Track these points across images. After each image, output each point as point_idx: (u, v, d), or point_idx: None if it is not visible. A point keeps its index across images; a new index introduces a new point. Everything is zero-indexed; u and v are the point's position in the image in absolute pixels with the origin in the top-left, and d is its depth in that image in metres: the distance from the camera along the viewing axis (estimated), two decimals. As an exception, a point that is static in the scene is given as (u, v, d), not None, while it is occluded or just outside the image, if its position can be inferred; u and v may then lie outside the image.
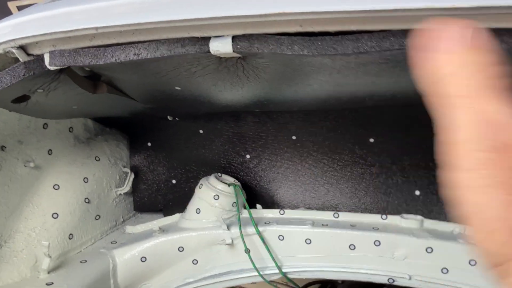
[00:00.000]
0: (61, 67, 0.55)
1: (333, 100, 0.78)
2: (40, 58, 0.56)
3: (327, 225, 0.88)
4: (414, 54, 0.23)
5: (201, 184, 0.95)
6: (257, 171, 1.03)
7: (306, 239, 0.87)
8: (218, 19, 0.45)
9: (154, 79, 0.64)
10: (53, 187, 0.86)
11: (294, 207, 1.01)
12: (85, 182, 0.93)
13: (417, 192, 0.91)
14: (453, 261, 0.79)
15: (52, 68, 0.55)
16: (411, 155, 0.91)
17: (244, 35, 0.48)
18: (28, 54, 0.56)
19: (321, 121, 0.96)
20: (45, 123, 0.84)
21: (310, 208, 0.99)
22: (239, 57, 0.52)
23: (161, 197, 1.10)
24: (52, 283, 0.76)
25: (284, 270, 0.88)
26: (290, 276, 0.88)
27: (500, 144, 0.18)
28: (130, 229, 0.99)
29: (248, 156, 1.03)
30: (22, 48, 0.55)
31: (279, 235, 0.89)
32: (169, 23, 0.47)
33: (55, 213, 0.85)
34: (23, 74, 0.55)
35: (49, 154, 0.86)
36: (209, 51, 0.49)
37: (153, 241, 0.91)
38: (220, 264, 0.92)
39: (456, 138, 0.20)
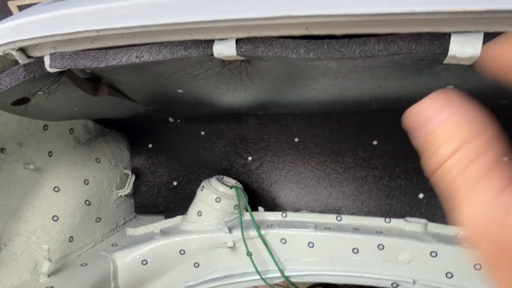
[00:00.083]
0: (62, 70, 0.55)
1: (338, 104, 0.77)
2: (40, 60, 0.55)
3: (330, 228, 0.87)
4: (414, 136, 0.23)
5: (203, 186, 0.94)
6: (259, 173, 1.02)
7: (308, 243, 0.87)
8: (222, 22, 0.44)
9: (156, 81, 0.63)
10: (53, 189, 0.86)
11: (296, 209, 1.00)
12: (85, 184, 0.92)
13: (421, 195, 0.91)
14: (457, 265, 0.78)
15: (52, 70, 0.54)
16: (415, 157, 0.90)
17: (248, 38, 0.47)
18: (28, 56, 0.55)
19: (324, 123, 0.95)
20: (45, 125, 0.83)
21: (312, 211, 0.98)
22: (243, 60, 0.52)
23: (162, 199, 1.09)
24: (52, 287, 0.75)
25: (286, 274, 0.88)
26: (292, 280, 0.88)
27: None
28: (131, 231, 0.98)
29: (250, 158, 1.02)
30: (22, 50, 0.54)
31: (282, 238, 0.88)
32: (172, 25, 0.46)
33: (55, 215, 0.85)
34: (23, 76, 0.54)
35: (49, 156, 0.86)
36: (212, 54, 0.48)
37: (154, 244, 0.90)
38: (222, 268, 0.91)
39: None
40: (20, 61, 0.55)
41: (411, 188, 0.91)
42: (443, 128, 0.21)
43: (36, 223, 0.82)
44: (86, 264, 0.85)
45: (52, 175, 0.86)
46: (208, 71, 0.56)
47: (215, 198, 0.91)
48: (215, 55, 0.48)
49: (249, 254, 0.87)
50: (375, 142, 0.93)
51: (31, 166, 0.80)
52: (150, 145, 1.09)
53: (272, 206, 1.01)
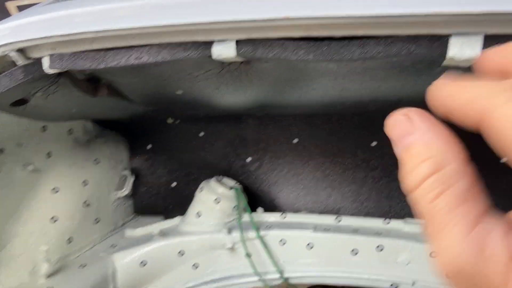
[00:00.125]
0: (61, 71, 0.54)
1: (338, 105, 0.77)
2: (39, 61, 0.55)
3: (329, 229, 0.87)
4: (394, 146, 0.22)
5: (202, 187, 0.94)
6: (258, 174, 1.02)
7: (308, 244, 0.86)
8: (221, 23, 0.44)
9: (155, 82, 0.63)
10: (52, 190, 0.85)
11: (295, 210, 1.00)
12: (84, 185, 0.92)
13: (420, 196, 0.91)
14: (456, 267, 0.78)
15: (51, 71, 0.54)
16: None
17: (247, 40, 0.47)
18: (27, 57, 0.55)
19: (324, 124, 0.95)
20: (44, 126, 0.83)
21: (312, 212, 0.98)
22: (242, 62, 0.52)
23: (161, 200, 1.09)
24: (51, 288, 0.75)
25: (285, 275, 0.87)
26: (292, 281, 0.88)
27: None
28: (130, 232, 0.98)
29: (249, 159, 1.02)
30: (21, 51, 0.54)
31: (281, 240, 0.88)
32: (171, 27, 0.46)
33: (54, 216, 0.84)
34: (21, 77, 0.54)
35: (48, 157, 0.85)
36: (211, 56, 0.48)
37: (153, 245, 0.90)
38: (221, 269, 0.91)
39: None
40: (19, 62, 0.55)
41: (411, 189, 0.91)
42: (420, 146, 0.20)
43: (35, 224, 0.82)
44: (85, 265, 0.85)
45: (51, 176, 0.86)
46: (207, 73, 0.56)
47: (214, 199, 0.91)
48: (215, 56, 0.48)
49: (248, 255, 0.87)
50: (374, 143, 0.93)
51: (30, 167, 0.80)
52: (149, 146, 1.09)
53: (271, 207, 1.01)
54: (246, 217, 0.93)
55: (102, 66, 0.51)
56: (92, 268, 0.85)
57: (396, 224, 0.87)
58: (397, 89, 0.61)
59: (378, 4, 0.39)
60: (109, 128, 1.06)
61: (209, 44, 0.48)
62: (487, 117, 0.18)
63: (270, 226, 0.91)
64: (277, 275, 0.87)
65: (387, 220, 0.88)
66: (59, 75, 0.58)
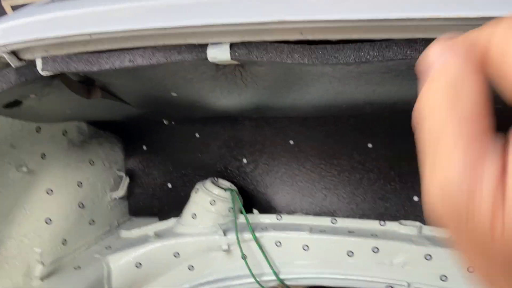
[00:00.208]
0: (54, 73, 0.54)
1: (333, 108, 0.77)
2: (32, 63, 0.54)
3: (325, 231, 0.87)
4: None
5: (197, 188, 0.94)
6: (254, 176, 1.02)
7: (303, 246, 0.86)
8: (216, 26, 0.44)
9: (149, 85, 0.63)
10: (47, 192, 0.85)
11: (291, 212, 1.00)
12: (79, 186, 0.92)
13: (416, 198, 0.91)
14: (452, 269, 0.78)
15: (44, 74, 0.54)
16: (410, 160, 0.91)
17: (242, 43, 0.46)
18: (20, 59, 0.55)
19: (320, 126, 0.95)
20: (38, 127, 0.83)
21: (307, 214, 0.98)
22: (237, 65, 0.51)
23: (157, 201, 1.09)
24: (45, 291, 0.75)
25: (281, 277, 0.87)
26: (287, 282, 0.87)
27: None
28: (125, 233, 0.97)
29: (245, 161, 1.02)
30: (14, 53, 0.54)
31: (276, 241, 0.88)
32: (166, 29, 0.45)
33: (49, 218, 0.84)
34: (14, 80, 0.54)
35: (42, 158, 0.85)
36: (206, 59, 0.48)
37: (149, 247, 0.89)
38: (217, 270, 0.91)
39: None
40: (11, 64, 0.54)
41: (406, 190, 0.91)
42: (438, 64, 0.19)
43: (29, 226, 0.81)
44: (80, 267, 0.84)
45: (45, 177, 0.85)
46: (202, 75, 0.56)
47: (209, 200, 0.91)
48: (209, 59, 0.47)
49: (244, 257, 0.87)
50: (370, 145, 0.93)
51: (24, 169, 0.79)
52: (144, 147, 1.08)
53: (267, 208, 1.01)
54: (241, 218, 0.93)
55: (95, 68, 0.51)
56: (87, 269, 0.84)
57: (391, 226, 0.88)
58: (393, 93, 0.61)
59: (374, 8, 0.39)
60: (104, 129, 1.05)
61: (203, 47, 0.48)
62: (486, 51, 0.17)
63: (265, 227, 0.91)
64: (273, 277, 0.87)
65: (383, 222, 0.88)
66: (53, 77, 0.58)
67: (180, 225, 0.93)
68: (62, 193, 0.88)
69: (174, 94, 0.68)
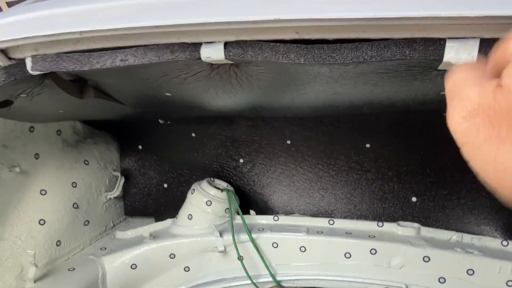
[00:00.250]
0: (44, 72, 0.53)
1: (330, 108, 0.76)
2: (22, 62, 0.53)
3: (322, 232, 0.86)
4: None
5: (193, 189, 0.93)
6: (251, 176, 1.01)
7: (300, 247, 0.85)
8: (210, 24, 0.42)
9: (142, 85, 0.61)
10: (40, 193, 0.84)
11: (288, 213, 0.99)
12: (73, 186, 0.90)
13: (414, 199, 0.90)
14: (450, 271, 0.77)
15: (34, 73, 0.52)
16: (408, 160, 0.90)
17: (237, 42, 0.45)
18: (9, 58, 0.53)
19: (317, 125, 0.94)
20: (31, 126, 0.81)
21: (304, 214, 0.97)
22: (232, 64, 0.50)
23: (153, 201, 1.08)
24: (38, 293, 0.74)
25: (278, 278, 0.86)
26: (284, 284, 0.86)
27: None
28: (120, 234, 0.96)
29: (241, 161, 1.01)
30: (3, 52, 0.52)
31: (273, 243, 0.87)
32: (158, 28, 0.44)
33: (42, 219, 0.83)
34: (3, 79, 0.52)
35: (36, 158, 0.83)
36: (200, 58, 0.46)
37: (144, 248, 0.88)
38: (213, 272, 0.90)
39: None
40: (0, 63, 0.53)
41: (404, 191, 0.90)
42: None
43: (22, 227, 0.80)
44: (74, 269, 0.83)
45: (39, 178, 0.84)
46: (196, 75, 0.54)
47: (206, 201, 0.90)
48: (203, 59, 0.46)
49: (240, 258, 0.86)
50: (368, 145, 0.91)
51: (17, 169, 0.78)
52: (140, 147, 1.07)
53: (263, 209, 1.00)
54: (238, 219, 0.91)
55: (86, 68, 0.49)
56: (81, 271, 0.83)
57: (389, 227, 0.87)
58: (391, 94, 0.59)
59: (372, 7, 0.38)
60: (99, 128, 1.04)
61: (197, 46, 0.46)
62: None
63: (262, 228, 0.90)
64: (269, 278, 0.86)
65: (381, 223, 0.87)
66: (44, 76, 0.56)
67: (176, 226, 0.92)
68: (56, 193, 0.87)
69: (168, 94, 0.67)
